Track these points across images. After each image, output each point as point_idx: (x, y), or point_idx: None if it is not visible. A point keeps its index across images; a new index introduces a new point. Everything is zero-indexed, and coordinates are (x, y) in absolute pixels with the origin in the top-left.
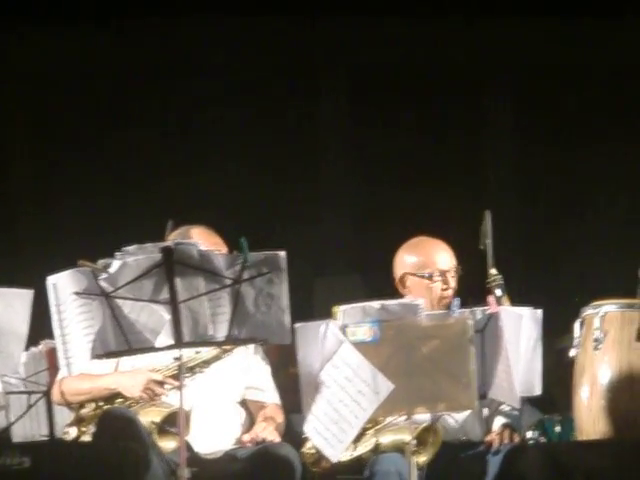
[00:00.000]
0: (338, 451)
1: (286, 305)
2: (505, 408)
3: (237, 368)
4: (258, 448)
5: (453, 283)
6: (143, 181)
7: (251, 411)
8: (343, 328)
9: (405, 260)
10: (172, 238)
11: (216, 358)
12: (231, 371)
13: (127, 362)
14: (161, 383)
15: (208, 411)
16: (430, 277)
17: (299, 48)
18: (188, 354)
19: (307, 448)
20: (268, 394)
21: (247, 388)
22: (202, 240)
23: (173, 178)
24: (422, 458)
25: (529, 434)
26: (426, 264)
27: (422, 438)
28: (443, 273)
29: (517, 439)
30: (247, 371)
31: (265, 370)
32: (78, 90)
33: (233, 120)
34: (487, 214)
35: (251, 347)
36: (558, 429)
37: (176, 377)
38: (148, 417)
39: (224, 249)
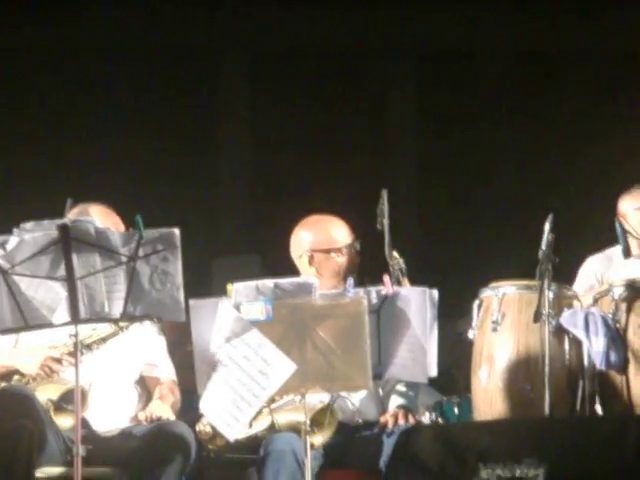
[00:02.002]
0: (235, 430)
1: (180, 282)
2: (401, 389)
3: (133, 345)
4: (153, 426)
5: (356, 259)
6: (41, 159)
7: (147, 387)
8: (237, 306)
9: (308, 237)
10: (71, 216)
11: (113, 335)
12: (128, 348)
13: (26, 339)
14: (58, 360)
15: (105, 388)
16: (339, 251)
17: (201, 29)
18: (85, 331)
19: (202, 425)
20: (163, 370)
21: (143, 364)
22: (101, 218)
23: (71, 156)
24: (317, 438)
25: (427, 415)
26: (332, 239)
27: (318, 419)
28: (348, 248)
29: (412, 420)
30: (143, 347)
31: (160, 345)
32: None
33: (132, 99)
34: (384, 193)
35: (146, 323)
36: (456, 411)
37: (73, 354)
38: (45, 394)
39: (122, 228)
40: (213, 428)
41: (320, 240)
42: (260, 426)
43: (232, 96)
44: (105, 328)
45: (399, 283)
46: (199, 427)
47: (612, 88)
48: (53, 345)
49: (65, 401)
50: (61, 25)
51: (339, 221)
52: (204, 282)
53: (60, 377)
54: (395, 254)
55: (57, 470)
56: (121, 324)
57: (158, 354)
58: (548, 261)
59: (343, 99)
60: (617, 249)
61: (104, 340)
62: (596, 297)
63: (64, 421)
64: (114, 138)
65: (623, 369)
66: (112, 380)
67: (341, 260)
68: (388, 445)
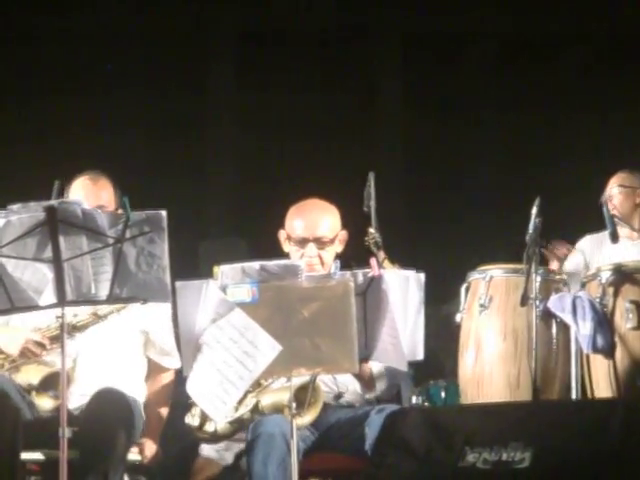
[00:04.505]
0: (221, 412)
1: (166, 264)
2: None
3: (130, 327)
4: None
5: (313, 252)
6: (29, 141)
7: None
8: (223, 288)
9: (286, 220)
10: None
11: (92, 323)
12: (121, 330)
13: (15, 320)
14: (41, 344)
15: (91, 366)
16: (299, 242)
17: (189, 10)
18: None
19: (191, 416)
20: (173, 360)
21: (153, 346)
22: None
23: (59, 138)
24: (303, 419)
25: (413, 400)
26: (291, 228)
27: (300, 398)
28: (303, 240)
29: None
30: (149, 330)
31: (171, 333)
32: None
33: (121, 80)
34: (370, 176)
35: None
36: (443, 395)
37: (55, 338)
38: (27, 376)
39: (111, 197)
40: (201, 417)
41: (290, 226)
42: (244, 408)
43: (219, 80)
44: (84, 317)
45: (374, 256)
46: (187, 418)
47: (601, 71)
48: (37, 327)
49: (46, 385)
50: (45, 10)
51: (317, 211)
52: (191, 265)
53: (45, 359)
54: (371, 230)
55: (41, 453)
56: (100, 314)
57: (170, 342)
58: (535, 245)
59: (330, 82)
60: (607, 233)
61: (85, 327)
62: (584, 281)
63: (45, 402)
64: (101, 121)
65: (610, 353)
66: (99, 360)
67: (300, 251)
68: (374, 428)
